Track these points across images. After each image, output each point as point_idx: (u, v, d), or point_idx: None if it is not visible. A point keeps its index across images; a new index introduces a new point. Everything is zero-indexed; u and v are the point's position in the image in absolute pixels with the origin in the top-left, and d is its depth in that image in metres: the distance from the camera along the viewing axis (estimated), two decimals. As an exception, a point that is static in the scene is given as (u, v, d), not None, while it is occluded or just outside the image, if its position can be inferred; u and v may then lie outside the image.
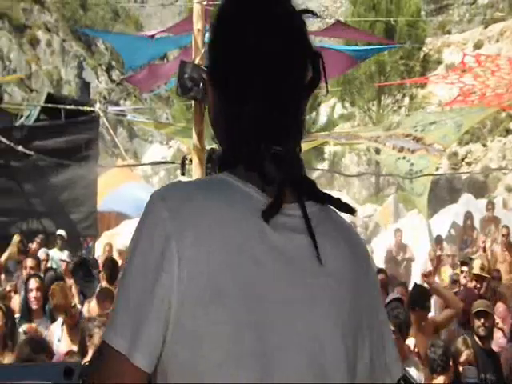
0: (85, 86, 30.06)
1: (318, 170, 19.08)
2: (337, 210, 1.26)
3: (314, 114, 22.97)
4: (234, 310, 1.09)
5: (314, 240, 1.17)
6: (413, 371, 4.62)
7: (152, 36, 9.64)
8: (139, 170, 23.64)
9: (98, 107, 12.23)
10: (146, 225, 1.13)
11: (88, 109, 11.57)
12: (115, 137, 18.49)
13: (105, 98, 30.80)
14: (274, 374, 1.11)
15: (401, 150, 12.87)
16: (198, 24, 7.61)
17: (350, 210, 1.24)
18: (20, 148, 10.10)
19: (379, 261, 12.60)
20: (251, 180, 1.18)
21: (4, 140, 10.17)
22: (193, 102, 7.69)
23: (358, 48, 12.35)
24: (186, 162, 7.23)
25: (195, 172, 7.41)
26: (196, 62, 7.48)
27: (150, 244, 1.11)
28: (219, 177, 1.21)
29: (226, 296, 1.09)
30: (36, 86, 29.37)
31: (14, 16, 32.04)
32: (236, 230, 1.13)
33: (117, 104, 27.81)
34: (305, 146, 13.57)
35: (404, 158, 12.15)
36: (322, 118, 24.02)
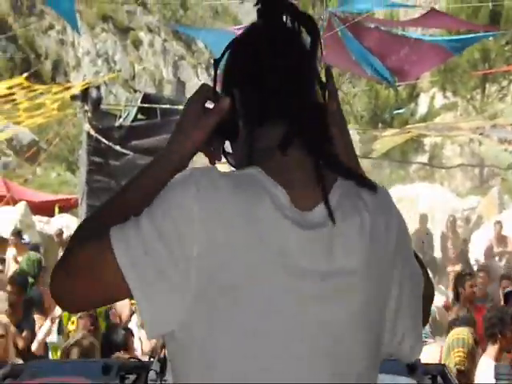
0: (181, 86, 30.67)
1: (415, 163, 18.64)
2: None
3: (412, 104, 22.47)
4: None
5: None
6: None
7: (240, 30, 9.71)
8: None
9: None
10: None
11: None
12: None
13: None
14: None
15: (504, 141, 12.43)
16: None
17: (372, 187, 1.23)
18: (118, 148, 10.49)
19: (480, 256, 12.11)
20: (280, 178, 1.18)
21: (103, 140, 10.59)
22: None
23: (454, 38, 11.94)
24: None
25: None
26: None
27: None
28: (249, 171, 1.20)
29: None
30: (139, 87, 30.26)
31: (119, 19, 33.11)
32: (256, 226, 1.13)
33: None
34: (400, 138, 13.31)
35: (506, 150, 11.76)
36: (422, 109, 23.43)
